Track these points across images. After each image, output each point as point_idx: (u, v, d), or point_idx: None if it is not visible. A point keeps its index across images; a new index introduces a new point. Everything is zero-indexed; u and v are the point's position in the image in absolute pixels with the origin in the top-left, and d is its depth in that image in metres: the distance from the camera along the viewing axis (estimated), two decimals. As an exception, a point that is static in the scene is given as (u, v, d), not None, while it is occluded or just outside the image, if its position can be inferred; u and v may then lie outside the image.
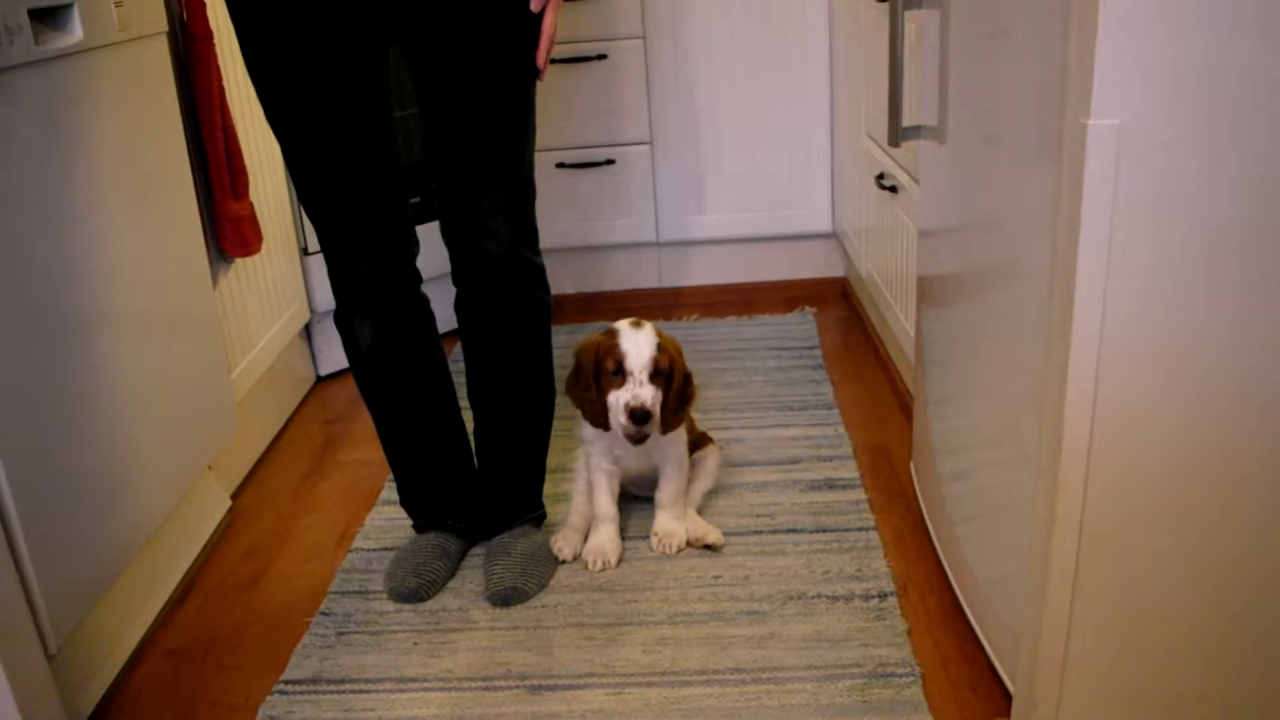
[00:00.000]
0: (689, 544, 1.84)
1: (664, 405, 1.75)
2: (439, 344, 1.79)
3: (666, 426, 1.77)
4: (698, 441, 2.00)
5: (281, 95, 1.54)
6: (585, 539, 1.86)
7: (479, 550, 1.86)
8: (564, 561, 1.84)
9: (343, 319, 1.72)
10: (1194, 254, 1.07)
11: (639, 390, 1.70)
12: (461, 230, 1.64)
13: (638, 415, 1.70)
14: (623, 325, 1.75)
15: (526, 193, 1.65)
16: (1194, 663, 1.22)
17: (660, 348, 1.72)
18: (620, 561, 1.82)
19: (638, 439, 1.74)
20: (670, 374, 1.74)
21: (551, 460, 2.15)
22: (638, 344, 1.72)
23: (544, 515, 1.89)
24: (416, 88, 1.59)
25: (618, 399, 1.72)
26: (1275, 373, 1.10)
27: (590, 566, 1.80)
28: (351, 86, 1.54)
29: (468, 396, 1.80)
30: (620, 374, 1.72)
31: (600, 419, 1.76)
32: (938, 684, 1.48)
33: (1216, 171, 1.04)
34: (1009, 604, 1.37)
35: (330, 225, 1.63)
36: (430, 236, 1.75)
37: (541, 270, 1.72)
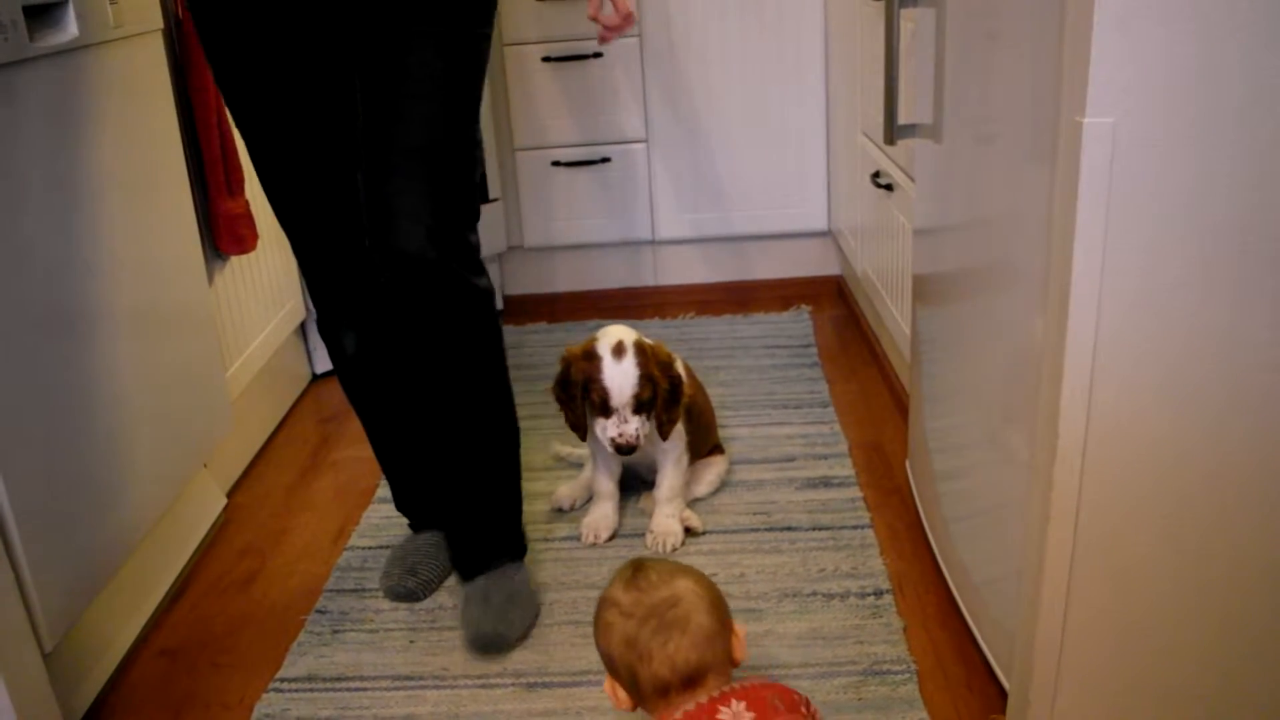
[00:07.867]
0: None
1: (655, 417, 1.80)
2: None
3: (664, 433, 1.81)
4: (711, 450, 2.01)
5: (252, 118, 1.52)
6: (588, 498, 1.96)
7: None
8: (560, 510, 1.95)
9: (326, 328, 1.70)
10: (1188, 252, 1.07)
11: (624, 426, 1.75)
12: (379, 219, 1.46)
13: (623, 450, 1.77)
14: (605, 350, 1.76)
15: (458, 191, 1.48)
16: (1188, 660, 1.22)
17: (642, 379, 1.74)
18: (614, 538, 1.88)
19: (626, 455, 1.80)
20: (654, 395, 1.77)
21: (542, 459, 2.15)
22: (619, 381, 1.74)
23: (525, 548, 1.73)
24: (362, 107, 1.47)
25: (604, 430, 1.77)
26: (1270, 372, 1.10)
27: (584, 539, 1.87)
28: (319, 105, 1.51)
29: (416, 434, 1.68)
30: (605, 407, 1.75)
31: (582, 433, 1.82)
32: (933, 681, 1.49)
33: (1211, 170, 1.04)
34: (1004, 602, 1.37)
35: (304, 241, 1.60)
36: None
37: (473, 249, 1.48)
